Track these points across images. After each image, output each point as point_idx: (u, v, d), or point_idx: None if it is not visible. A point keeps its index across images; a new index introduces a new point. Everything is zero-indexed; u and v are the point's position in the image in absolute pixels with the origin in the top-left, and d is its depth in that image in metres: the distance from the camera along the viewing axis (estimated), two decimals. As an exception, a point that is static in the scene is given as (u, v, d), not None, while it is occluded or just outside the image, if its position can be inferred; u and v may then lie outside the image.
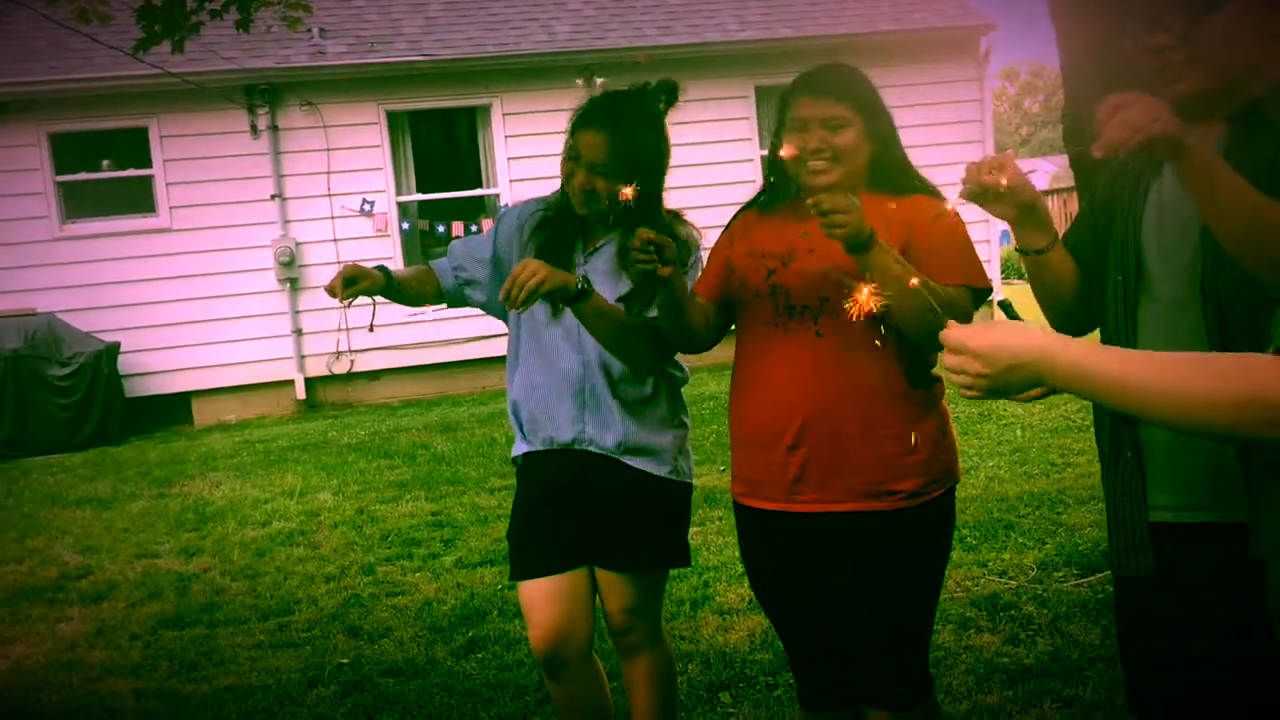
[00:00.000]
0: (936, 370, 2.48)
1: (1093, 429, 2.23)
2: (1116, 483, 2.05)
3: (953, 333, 1.44)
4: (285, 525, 6.50)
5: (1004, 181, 1.93)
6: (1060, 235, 2.14)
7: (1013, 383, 1.41)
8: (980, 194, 1.95)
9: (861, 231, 2.17)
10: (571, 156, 2.72)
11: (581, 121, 2.73)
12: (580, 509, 2.81)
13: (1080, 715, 3.32)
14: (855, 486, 2.38)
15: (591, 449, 2.78)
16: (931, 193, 2.47)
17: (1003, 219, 2.04)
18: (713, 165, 11.23)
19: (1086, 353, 1.36)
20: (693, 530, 5.57)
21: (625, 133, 2.70)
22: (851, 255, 2.22)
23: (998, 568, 4.63)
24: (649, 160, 2.74)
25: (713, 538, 5.44)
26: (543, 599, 2.78)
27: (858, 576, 2.42)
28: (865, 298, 1.68)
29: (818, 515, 2.41)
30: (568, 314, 2.69)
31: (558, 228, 2.83)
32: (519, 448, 2.91)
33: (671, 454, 2.82)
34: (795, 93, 2.46)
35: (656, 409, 2.80)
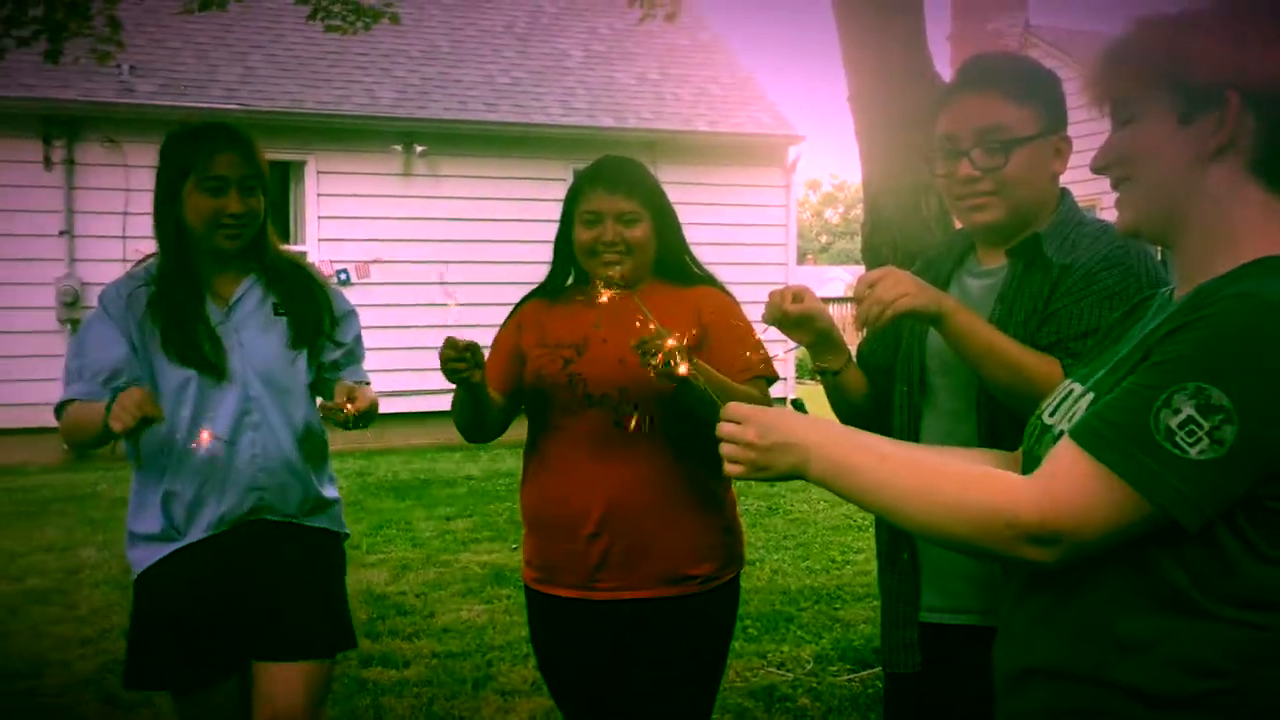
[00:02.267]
0: None
1: (873, 528, 2.34)
2: (892, 582, 2.16)
3: (734, 405, 1.50)
4: (41, 581, 6.07)
5: (801, 309, 2.03)
6: (856, 346, 2.28)
7: (775, 464, 1.45)
8: (781, 319, 2.04)
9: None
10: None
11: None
12: (242, 599, 2.56)
13: (846, 807, 3.42)
14: (655, 572, 2.42)
15: (269, 516, 2.57)
16: (713, 283, 2.57)
17: (800, 343, 2.13)
18: (523, 244, 11.31)
19: (844, 455, 1.42)
20: (480, 608, 5.52)
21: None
22: (676, 386, 2.25)
23: (776, 659, 4.75)
24: None
25: (500, 616, 5.38)
26: (203, 706, 2.62)
27: (652, 661, 2.44)
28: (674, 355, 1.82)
29: (618, 602, 2.44)
30: (233, 373, 2.53)
31: (174, 299, 2.55)
32: (155, 553, 2.54)
33: (340, 509, 2.74)
34: (588, 185, 2.51)
35: (326, 462, 2.71)
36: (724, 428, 1.50)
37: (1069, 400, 1.45)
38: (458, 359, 2.28)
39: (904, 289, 1.90)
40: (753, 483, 8.61)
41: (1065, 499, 1.28)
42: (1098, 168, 1.44)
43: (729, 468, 1.49)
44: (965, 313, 1.94)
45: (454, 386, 2.37)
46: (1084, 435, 1.29)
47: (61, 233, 10.71)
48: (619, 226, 2.47)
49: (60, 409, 2.55)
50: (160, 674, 2.63)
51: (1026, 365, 1.90)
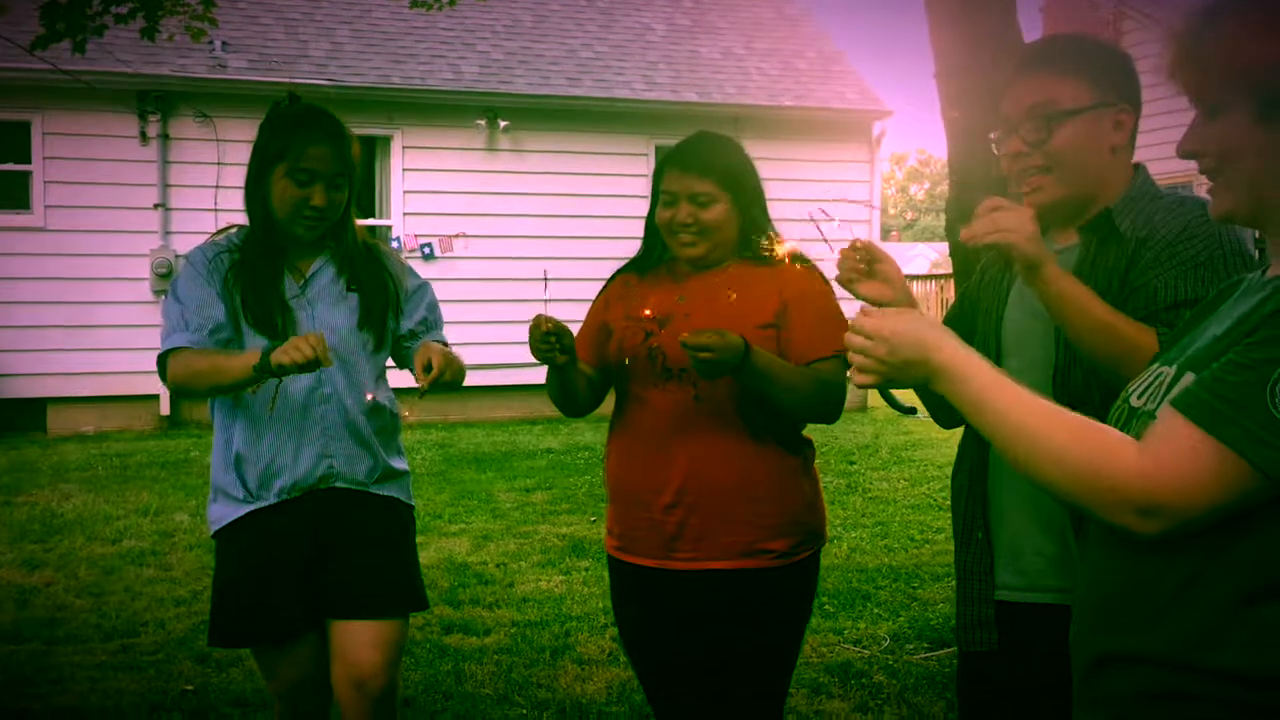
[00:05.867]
0: (807, 433, 2.58)
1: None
2: (967, 560, 2.15)
3: (861, 319, 1.50)
4: (137, 544, 6.29)
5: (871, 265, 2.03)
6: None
7: (902, 377, 1.48)
8: (852, 278, 2.04)
9: (736, 355, 2.25)
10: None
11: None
12: (317, 560, 2.64)
13: (920, 785, 3.42)
14: (731, 545, 2.44)
15: (339, 484, 2.65)
16: (802, 261, 2.57)
17: (874, 300, 2.07)
18: (606, 219, 11.36)
19: (971, 380, 1.43)
20: (559, 579, 5.60)
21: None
22: (733, 377, 2.31)
23: (853, 636, 4.74)
24: None
25: (578, 587, 5.45)
26: (284, 663, 2.72)
27: (728, 633, 2.46)
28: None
29: (693, 572, 2.46)
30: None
31: (256, 268, 2.64)
32: (232, 512, 2.64)
33: (409, 481, 2.81)
34: (666, 165, 2.54)
35: (396, 435, 2.77)
36: (853, 340, 1.50)
37: (1157, 382, 1.42)
38: (543, 340, 2.34)
39: (1024, 228, 1.88)
40: (832, 461, 8.61)
41: (1172, 472, 1.27)
42: (1184, 154, 1.42)
43: (859, 378, 1.51)
44: (1066, 276, 1.91)
45: (538, 362, 2.41)
46: (1192, 408, 1.28)
47: (156, 206, 11.00)
48: (692, 207, 2.49)
49: (165, 357, 2.63)
50: (240, 631, 2.74)
51: (1122, 331, 1.87)
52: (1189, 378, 1.35)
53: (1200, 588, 1.32)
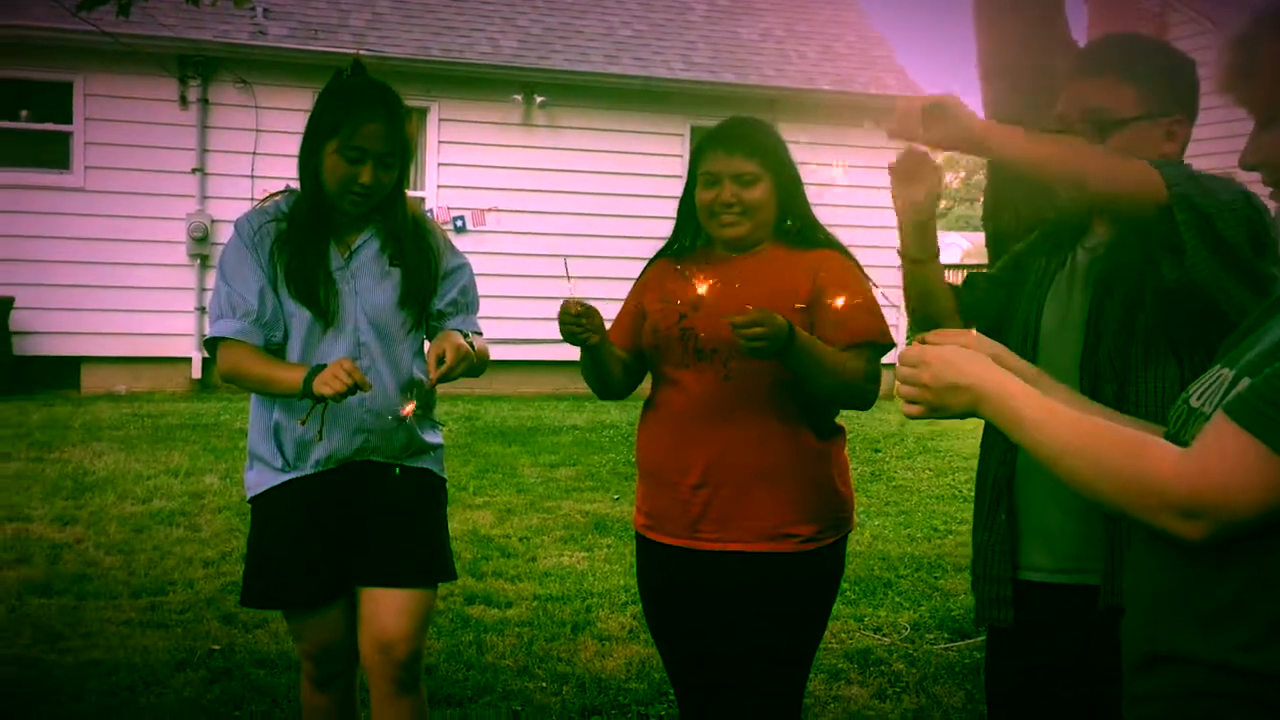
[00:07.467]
0: (839, 420, 2.58)
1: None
2: (988, 540, 2.18)
3: (909, 349, 1.54)
4: (167, 504, 6.37)
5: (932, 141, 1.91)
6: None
7: (950, 404, 1.50)
8: (906, 135, 1.92)
9: (781, 335, 2.25)
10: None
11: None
12: (350, 529, 2.68)
13: (936, 773, 3.43)
14: (756, 528, 2.45)
15: (375, 458, 2.68)
16: (837, 247, 2.58)
17: (908, 208, 2.12)
18: (639, 197, 11.34)
19: (1014, 399, 1.45)
20: (580, 555, 5.64)
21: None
22: (778, 360, 2.31)
23: (873, 623, 4.75)
24: None
25: (599, 564, 5.48)
26: (314, 626, 2.76)
27: (750, 617, 2.48)
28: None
29: (718, 554, 2.48)
30: (345, 318, 2.63)
31: (302, 238, 2.65)
32: (269, 479, 2.69)
33: (442, 454, 2.83)
34: (708, 146, 2.54)
35: (430, 410, 2.79)
36: (900, 370, 1.53)
37: (1217, 385, 1.43)
38: (574, 322, 2.36)
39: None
40: (857, 448, 8.59)
41: (1217, 474, 1.28)
42: (1246, 166, 1.43)
43: (907, 408, 1.54)
44: (978, 123, 1.86)
45: (567, 339, 2.42)
46: (1240, 412, 1.29)
47: (194, 170, 11.08)
48: (736, 188, 2.49)
49: (215, 342, 2.66)
50: (272, 594, 2.79)
51: (1114, 164, 1.87)
52: (1244, 383, 1.35)
53: (1252, 600, 1.33)
